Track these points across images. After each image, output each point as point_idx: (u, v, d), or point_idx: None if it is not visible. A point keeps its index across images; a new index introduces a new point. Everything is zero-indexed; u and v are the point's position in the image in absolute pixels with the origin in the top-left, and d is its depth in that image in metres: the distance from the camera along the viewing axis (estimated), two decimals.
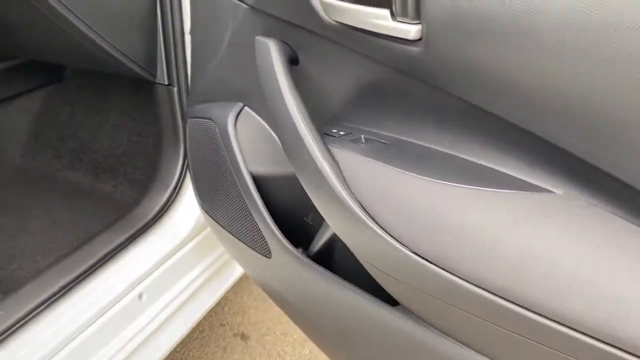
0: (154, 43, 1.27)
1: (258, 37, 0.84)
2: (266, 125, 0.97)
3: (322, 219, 0.95)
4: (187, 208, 1.36)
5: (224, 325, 1.66)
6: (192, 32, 1.08)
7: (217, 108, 1.01)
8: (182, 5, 1.23)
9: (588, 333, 0.49)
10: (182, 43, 1.26)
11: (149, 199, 1.35)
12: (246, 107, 0.98)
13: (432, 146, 0.67)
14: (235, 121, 0.97)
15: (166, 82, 1.30)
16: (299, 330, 1.64)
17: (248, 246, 0.97)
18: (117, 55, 1.20)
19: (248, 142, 0.97)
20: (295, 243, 0.92)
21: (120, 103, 1.73)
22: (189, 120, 1.11)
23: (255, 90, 0.95)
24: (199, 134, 1.07)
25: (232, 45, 0.94)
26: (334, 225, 0.75)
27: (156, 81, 1.31)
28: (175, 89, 1.30)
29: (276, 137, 0.96)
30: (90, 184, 1.69)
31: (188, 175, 1.37)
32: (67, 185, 1.68)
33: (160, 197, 1.35)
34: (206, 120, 1.03)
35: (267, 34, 0.84)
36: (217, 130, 0.99)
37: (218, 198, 1.04)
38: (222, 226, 1.06)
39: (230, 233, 1.03)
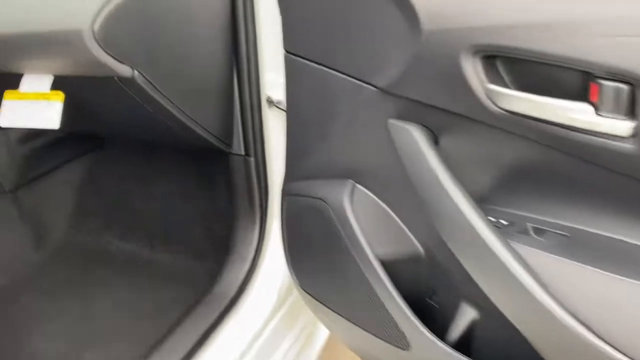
0: (230, 114, 1.23)
1: (393, 121, 0.80)
2: (382, 204, 0.92)
3: (451, 301, 0.90)
4: (268, 281, 1.30)
5: None
6: (289, 109, 1.04)
7: (325, 187, 0.96)
8: (260, 76, 1.19)
9: None
10: (259, 113, 1.22)
11: (227, 274, 1.29)
12: (357, 185, 0.93)
13: (634, 241, 0.62)
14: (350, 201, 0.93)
15: (242, 153, 1.26)
16: None
17: (376, 336, 0.91)
18: (195, 128, 1.15)
19: (366, 223, 0.91)
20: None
21: (169, 168, 1.67)
22: (287, 198, 1.05)
23: (370, 168, 0.91)
24: (302, 213, 1.02)
25: (347, 124, 0.90)
26: (526, 327, 0.70)
27: (232, 151, 1.26)
28: (252, 160, 1.26)
29: (395, 217, 0.91)
30: (147, 256, 1.62)
31: (265, 247, 1.32)
32: (123, 258, 1.61)
33: (239, 271, 1.29)
34: (313, 200, 0.98)
35: (401, 116, 0.79)
36: (330, 211, 0.94)
37: (332, 281, 0.98)
38: (334, 310, 1.00)
39: (348, 319, 0.97)
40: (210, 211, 1.61)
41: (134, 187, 1.71)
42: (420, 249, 0.90)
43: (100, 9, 0.85)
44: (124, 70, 0.93)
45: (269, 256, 1.31)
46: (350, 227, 0.90)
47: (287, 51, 1.00)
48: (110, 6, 0.86)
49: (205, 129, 1.18)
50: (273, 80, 1.19)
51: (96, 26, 0.85)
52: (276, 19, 1.13)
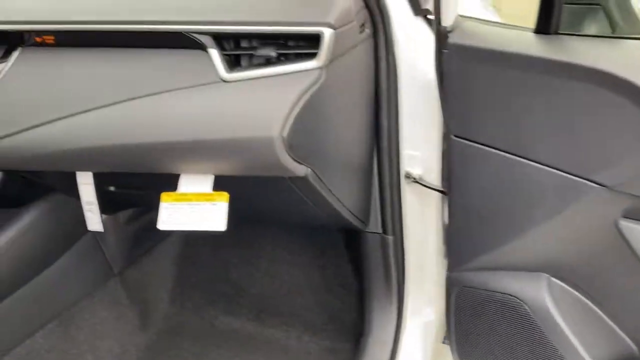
0: (369, 191, 1.18)
1: (629, 224, 0.74)
2: (585, 300, 0.86)
3: None
4: None
5: None
6: (455, 193, 0.99)
7: (515, 281, 0.90)
8: (400, 151, 1.15)
9: None
10: (397, 190, 1.17)
11: (366, 358, 1.23)
12: (553, 279, 0.88)
13: None
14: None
15: (380, 231, 1.21)
16: None
17: None
18: (340, 209, 1.10)
19: (571, 321, 0.86)
20: None
21: (271, 239, 1.62)
22: (458, 289, 1.00)
23: (575, 263, 0.85)
24: (482, 306, 0.96)
25: (546, 217, 0.84)
26: None
27: (368, 230, 1.21)
28: (391, 238, 1.20)
29: (601, 314, 0.85)
30: (257, 330, 1.56)
31: (403, 328, 1.25)
32: (233, 335, 1.55)
33: (379, 355, 1.23)
34: (500, 294, 0.92)
35: (633, 215, 0.74)
36: (526, 308, 0.88)
37: None
38: None
39: None
40: (321, 283, 1.56)
41: (234, 258, 1.66)
42: (634, 348, 0.84)
43: (287, 114, 0.81)
44: (301, 170, 0.88)
45: (408, 339, 1.25)
46: (557, 326, 0.84)
47: (456, 136, 0.96)
48: (295, 111, 0.82)
49: (348, 209, 1.13)
50: (411, 155, 1.15)
51: (285, 132, 0.81)
52: (418, 95, 1.10)
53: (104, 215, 1.46)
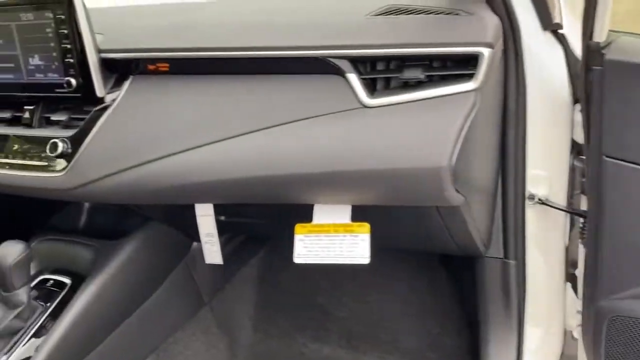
0: (493, 214, 1.12)
1: None
2: None
3: None
4: None
5: None
6: (611, 216, 0.92)
7: None
8: (526, 171, 1.09)
9: None
10: (522, 212, 1.11)
11: None
12: None
13: None
14: None
15: (501, 255, 1.15)
16: None
17: None
18: (474, 235, 1.04)
19: None
20: None
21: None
22: (615, 319, 0.93)
23: None
24: None
25: None
26: None
27: (488, 254, 1.15)
28: (513, 262, 1.14)
29: None
30: (352, 359, 1.50)
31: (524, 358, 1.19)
32: None
33: None
34: None
35: None
36: None
37: None
38: None
39: None
40: (415, 307, 1.49)
41: (321, 282, 1.61)
42: None
43: (455, 142, 0.76)
44: (458, 200, 0.83)
45: None
46: None
47: (608, 156, 0.90)
48: (462, 138, 0.77)
49: (480, 235, 1.07)
50: (536, 175, 1.09)
51: (453, 161, 0.76)
52: (545, 111, 1.04)
53: (195, 243, 1.43)
